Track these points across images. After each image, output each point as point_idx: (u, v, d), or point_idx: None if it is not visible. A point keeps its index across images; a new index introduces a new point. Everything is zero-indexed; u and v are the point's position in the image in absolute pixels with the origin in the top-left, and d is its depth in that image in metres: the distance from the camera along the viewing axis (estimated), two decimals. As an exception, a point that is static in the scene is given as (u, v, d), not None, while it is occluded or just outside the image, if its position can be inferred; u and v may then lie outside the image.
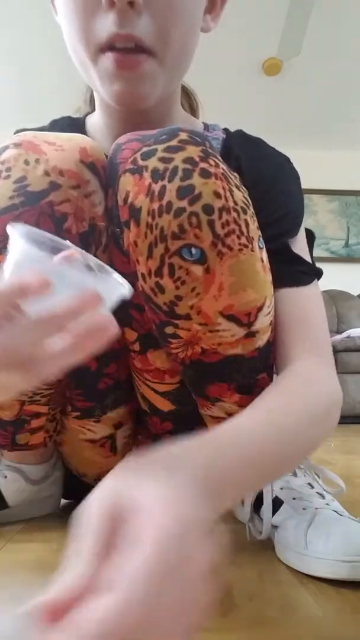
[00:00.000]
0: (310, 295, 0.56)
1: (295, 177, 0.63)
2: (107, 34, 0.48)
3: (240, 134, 0.65)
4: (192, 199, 0.43)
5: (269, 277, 0.51)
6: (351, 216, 3.68)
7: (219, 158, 0.46)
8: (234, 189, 0.45)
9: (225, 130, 0.66)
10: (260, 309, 0.49)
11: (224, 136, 0.65)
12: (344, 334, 2.84)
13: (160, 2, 0.48)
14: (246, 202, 0.47)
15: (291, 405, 0.43)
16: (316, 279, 0.58)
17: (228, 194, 0.44)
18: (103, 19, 0.48)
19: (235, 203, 0.45)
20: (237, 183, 0.47)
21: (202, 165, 0.43)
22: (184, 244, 0.44)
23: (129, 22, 0.47)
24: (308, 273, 0.57)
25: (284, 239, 0.57)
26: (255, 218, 0.48)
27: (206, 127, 0.67)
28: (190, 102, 0.72)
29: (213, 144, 0.59)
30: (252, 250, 0.47)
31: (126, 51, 0.49)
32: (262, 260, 0.49)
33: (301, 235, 0.60)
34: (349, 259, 3.63)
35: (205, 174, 0.43)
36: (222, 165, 0.45)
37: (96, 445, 0.65)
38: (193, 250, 0.44)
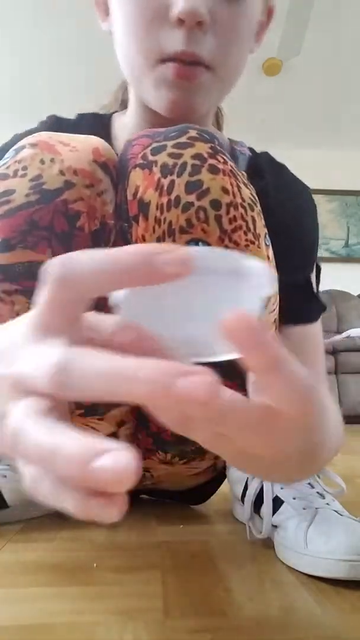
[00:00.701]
0: (317, 330, 0.62)
1: (314, 207, 0.67)
2: (172, 49, 0.50)
3: (267, 156, 0.68)
4: (200, 194, 0.43)
5: (275, 275, 0.51)
6: (351, 216, 3.68)
7: (228, 155, 0.46)
8: (242, 185, 0.46)
9: (251, 149, 0.69)
10: (265, 306, 0.50)
11: (250, 154, 0.67)
12: (344, 334, 2.85)
13: (224, 22, 0.51)
14: (253, 200, 0.47)
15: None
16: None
17: (236, 190, 0.45)
18: (169, 33, 0.50)
19: (243, 200, 0.45)
20: (245, 181, 0.48)
21: (211, 161, 0.44)
22: (192, 238, 0.44)
23: (195, 40, 0.49)
24: (318, 310, 0.62)
25: (305, 273, 0.62)
26: (262, 216, 0.49)
27: (232, 142, 0.69)
28: (217, 115, 0.75)
29: (240, 159, 0.64)
30: (259, 247, 0.47)
31: (186, 63, 0.51)
32: (269, 258, 0.49)
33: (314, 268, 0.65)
34: (349, 259, 3.64)
35: (213, 169, 0.44)
36: (231, 162, 0.46)
37: None
38: (200, 245, 0.44)
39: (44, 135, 0.49)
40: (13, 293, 0.49)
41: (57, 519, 0.70)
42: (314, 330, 0.61)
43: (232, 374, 0.56)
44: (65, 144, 0.48)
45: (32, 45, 2.58)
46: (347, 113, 3.23)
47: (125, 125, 0.65)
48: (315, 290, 0.63)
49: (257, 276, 0.23)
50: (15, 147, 0.49)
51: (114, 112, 0.69)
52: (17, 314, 0.50)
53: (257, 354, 0.20)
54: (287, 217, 0.60)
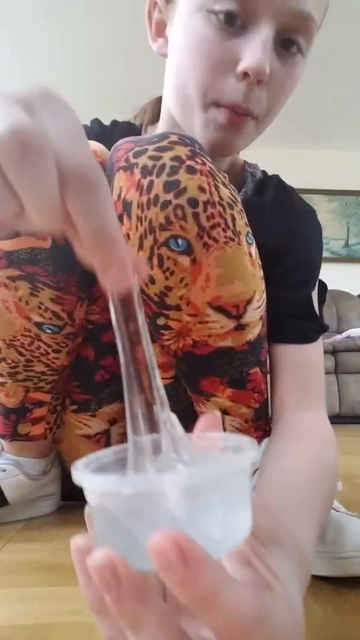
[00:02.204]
0: (315, 351, 0.61)
1: (318, 229, 0.68)
2: (230, 99, 0.52)
3: (276, 179, 0.70)
4: (177, 193, 0.45)
5: (259, 272, 0.53)
6: (351, 216, 3.68)
7: (207, 158, 0.48)
8: (220, 185, 0.47)
9: (263, 171, 0.72)
10: (249, 302, 0.51)
11: (261, 176, 0.70)
12: (344, 334, 2.84)
13: (277, 82, 0.54)
14: (233, 199, 0.49)
15: (319, 451, 0.48)
16: (321, 334, 0.63)
17: (213, 189, 0.46)
18: (230, 83, 0.52)
19: (221, 198, 0.47)
20: (225, 181, 0.49)
21: (189, 162, 0.45)
22: (171, 235, 0.46)
23: (252, 96, 0.52)
24: (318, 330, 0.62)
25: (304, 291, 0.62)
26: (243, 215, 0.50)
27: (246, 164, 0.72)
28: None
29: (248, 179, 0.68)
30: (239, 244, 0.48)
31: (237, 112, 0.53)
32: (251, 255, 0.50)
33: (315, 287, 0.65)
34: (349, 259, 3.63)
35: (191, 170, 0.45)
36: (210, 164, 0.47)
37: (91, 441, 0.66)
38: (179, 241, 0.46)
39: None
40: (17, 279, 0.52)
41: (57, 519, 0.70)
42: (312, 350, 0.61)
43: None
44: None
45: (42, 46, 2.58)
46: (347, 113, 3.23)
47: None
48: (316, 309, 0.63)
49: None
50: None
51: (141, 124, 0.71)
52: (20, 300, 0.53)
53: (184, 585, 0.17)
54: (286, 236, 0.62)
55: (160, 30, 0.59)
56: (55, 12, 2.33)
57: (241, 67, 0.50)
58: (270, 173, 0.72)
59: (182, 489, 0.18)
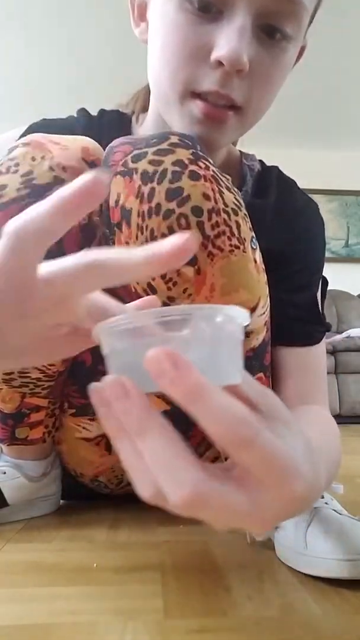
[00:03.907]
0: (319, 351, 0.62)
1: (321, 228, 0.67)
2: (206, 88, 0.49)
3: (276, 171, 0.68)
4: (180, 201, 0.43)
5: (263, 277, 0.51)
6: (351, 216, 3.68)
7: (210, 160, 0.46)
8: (225, 190, 0.46)
9: (261, 162, 0.69)
10: (254, 309, 0.50)
11: (260, 168, 0.67)
12: (344, 334, 2.85)
13: (262, 70, 0.50)
14: (237, 204, 0.47)
15: (322, 430, 0.49)
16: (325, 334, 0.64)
17: (218, 195, 0.44)
18: (206, 72, 0.49)
19: (226, 205, 0.45)
20: (229, 184, 0.47)
21: (192, 167, 0.44)
22: None
23: (230, 84, 0.49)
24: (321, 331, 0.62)
25: (308, 292, 0.62)
26: (247, 219, 0.49)
27: (243, 155, 0.69)
28: None
29: (247, 175, 0.65)
30: (244, 251, 0.47)
31: (215, 105, 0.50)
32: (255, 261, 0.49)
33: (319, 286, 0.65)
34: (349, 259, 3.64)
35: (194, 176, 0.43)
36: (213, 168, 0.46)
37: (91, 443, 0.66)
38: None
39: (37, 136, 0.50)
40: None
41: (57, 519, 0.70)
42: (317, 351, 0.61)
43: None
44: (55, 142, 0.49)
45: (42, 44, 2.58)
46: (347, 113, 3.23)
47: (147, 129, 0.64)
48: (319, 310, 0.63)
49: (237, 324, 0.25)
50: (10, 147, 0.50)
51: (133, 112, 0.68)
52: None
53: (174, 385, 0.21)
54: (289, 238, 0.61)
55: (142, 14, 0.56)
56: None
57: (215, 55, 0.47)
58: (269, 172, 0.70)
59: (177, 322, 0.22)
